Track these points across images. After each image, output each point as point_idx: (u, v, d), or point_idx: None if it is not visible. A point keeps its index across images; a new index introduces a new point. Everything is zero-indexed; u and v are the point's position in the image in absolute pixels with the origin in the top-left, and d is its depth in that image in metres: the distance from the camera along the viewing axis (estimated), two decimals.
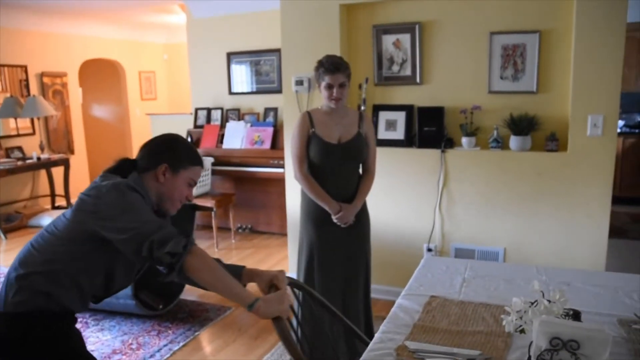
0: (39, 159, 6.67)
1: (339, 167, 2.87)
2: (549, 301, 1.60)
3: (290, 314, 1.73)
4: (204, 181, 5.60)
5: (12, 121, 6.89)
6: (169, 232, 1.62)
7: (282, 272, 1.89)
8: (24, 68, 7.09)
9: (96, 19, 7.49)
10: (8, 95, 6.70)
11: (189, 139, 6.16)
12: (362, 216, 2.95)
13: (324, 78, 2.76)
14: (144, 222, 1.62)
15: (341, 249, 2.90)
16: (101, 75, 8.80)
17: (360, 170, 3.00)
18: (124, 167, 1.82)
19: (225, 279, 1.65)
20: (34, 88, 7.22)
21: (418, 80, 3.87)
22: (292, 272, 4.40)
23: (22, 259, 1.72)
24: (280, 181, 5.09)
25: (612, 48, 3.25)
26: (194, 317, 3.81)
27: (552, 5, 3.48)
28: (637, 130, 7.03)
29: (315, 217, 2.89)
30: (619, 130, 6.57)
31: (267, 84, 6.08)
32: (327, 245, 2.89)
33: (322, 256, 2.89)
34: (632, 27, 6.21)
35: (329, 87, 2.76)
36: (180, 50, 8.72)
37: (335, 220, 2.83)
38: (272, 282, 1.85)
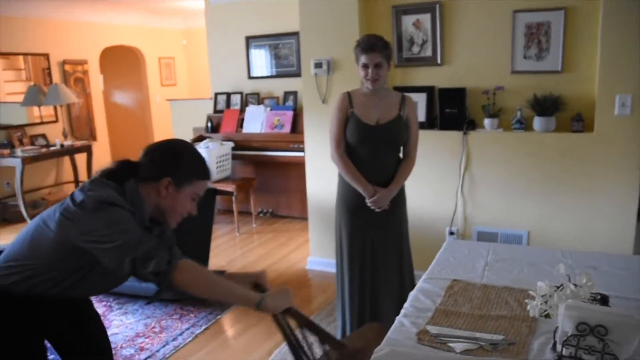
0: (62, 146, 6.75)
1: (376, 150, 2.78)
2: (575, 285, 1.56)
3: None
4: (225, 165, 5.61)
5: (35, 109, 6.98)
6: (151, 248, 1.54)
7: (263, 272, 1.87)
8: (46, 56, 7.16)
9: (115, 6, 7.49)
10: (32, 83, 6.78)
11: (209, 124, 6.18)
12: (399, 202, 2.88)
13: (360, 57, 2.69)
14: (125, 238, 1.54)
15: (373, 235, 2.84)
16: (121, 62, 8.85)
17: (401, 155, 2.92)
18: (122, 171, 1.72)
19: (223, 286, 1.62)
20: (56, 76, 7.29)
21: (439, 61, 3.80)
22: (313, 256, 4.41)
23: (12, 250, 1.71)
24: (300, 165, 5.07)
25: None
26: (215, 301, 3.84)
27: None
28: None
29: (349, 201, 2.85)
30: None
31: (286, 67, 6.04)
32: (359, 230, 2.84)
33: (351, 241, 2.85)
34: None
35: (365, 66, 2.68)
36: (199, 35, 8.70)
37: (369, 204, 2.76)
38: (256, 283, 1.82)
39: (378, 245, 2.85)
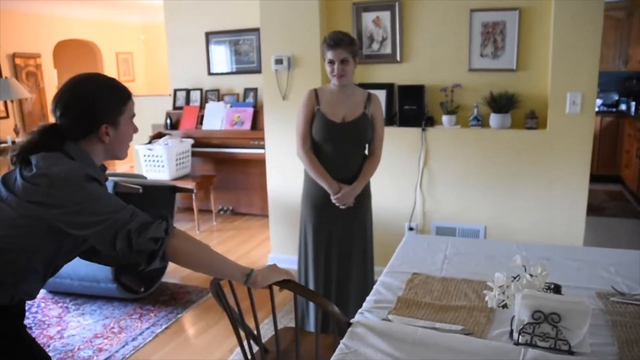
0: (13, 142, 6.52)
1: (341, 147, 2.80)
2: (531, 275, 1.62)
3: (290, 276, 1.72)
4: (184, 163, 5.54)
5: None
6: (145, 218, 1.50)
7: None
8: None
9: None
10: None
11: (168, 121, 6.09)
12: (364, 198, 2.91)
13: (326, 53, 2.70)
14: (114, 212, 1.46)
15: (337, 231, 2.87)
16: (77, 56, 8.61)
17: (366, 152, 2.94)
18: (51, 139, 1.55)
19: (216, 256, 1.61)
20: (5, 70, 7.03)
21: (398, 58, 3.85)
22: (274, 252, 4.40)
23: None
24: (261, 162, 5.05)
25: (590, 26, 3.27)
26: (176, 300, 3.79)
27: None
28: (614, 109, 7.12)
29: (314, 197, 2.87)
30: (596, 109, 6.66)
31: (246, 64, 6.01)
32: (324, 225, 2.87)
33: (315, 237, 2.87)
34: (611, 5, 6.26)
35: (331, 62, 2.70)
36: (158, 30, 8.55)
37: (334, 201, 2.79)
38: None
39: (343, 241, 2.88)
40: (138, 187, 3.50)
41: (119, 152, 1.66)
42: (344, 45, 2.66)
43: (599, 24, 3.26)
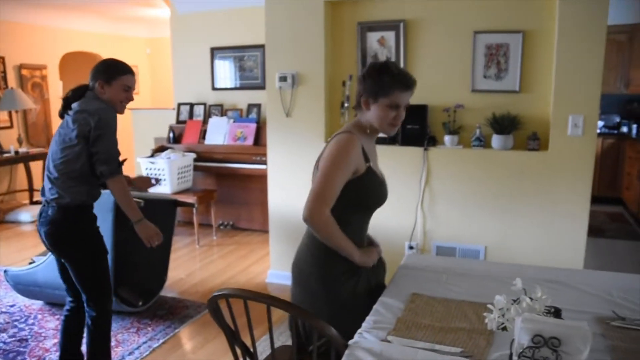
0: (17, 152, 6.55)
1: (370, 216, 2.19)
2: (531, 299, 1.61)
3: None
4: (186, 177, 5.56)
5: None
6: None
7: None
8: (1, 59, 6.95)
9: (78, 11, 7.37)
10: None
11: (171, 135, 6.11)
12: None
13: (392, 93, 1.95)
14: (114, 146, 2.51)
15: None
16: (83, 68, 8.55)
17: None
18: (82, 89, 2.58)
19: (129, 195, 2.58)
20: (11, 80, 7.08)
21: None
22: (273, 269, 4.39)
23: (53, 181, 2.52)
24: (262, 178, 5.06)
25: (593, 50, 3.29)
26: (173, 314, 3.78)
27: (535, 7, 3.51)
28: (615, 131, 7.14)
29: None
30: (598, 131, 6.67)
31: (250, 79, 6.05)
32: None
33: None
34: (613, 29, 6.29)
35: (395, 107, 1.98)
36: (163, 44, 8.63)
37: (362, 264, 2.06)
38: None
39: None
40: (140, 200, 3.51)
41: (116, 106, 2.57)
42: (414, 87, 2.01)
43: (601, 48, 3.29)
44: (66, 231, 2.56)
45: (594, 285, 2.19)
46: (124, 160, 2.57)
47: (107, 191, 2.55)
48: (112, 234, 3.35)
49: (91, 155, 2.46)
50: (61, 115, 2.58)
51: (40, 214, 2.58)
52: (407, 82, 1.97)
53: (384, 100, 1.97)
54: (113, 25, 8.37)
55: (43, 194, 2.58)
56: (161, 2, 6.84)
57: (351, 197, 1.98)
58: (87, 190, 2.55)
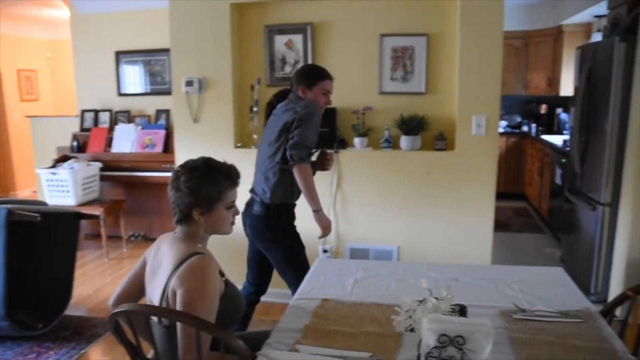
0: None
1: None
2: (437, 298, 1.62)
3: None
4: (92, 187, 5.26)
5: None
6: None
7: None
8: None
9: None
10: None
11: (75, 143, 5.77)
12: None
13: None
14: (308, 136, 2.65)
15: None
16: None
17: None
18: (285, 93, 2.81)
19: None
20: None
21: None
22: None
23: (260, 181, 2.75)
24: None
25: (492, 53, 3.44)
26: (80, 335, 3.54)
27: (438, 11, 3.62)
28: (517, 130, 7.53)
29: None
30: (501, 130, 7.01)
31: (158, 85, 5.83)
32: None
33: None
34: (510, 35, 6.71)
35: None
36: (64, 47, 8.13)
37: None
38: None
39: None
40: (36, 214, 3.27)
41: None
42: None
43: (499, 52, 3.44)
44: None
45: (498, 280, 2.26)
46: (316, 151, 2.73)
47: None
48: (4, 251, 3.09)
49: (287, 141, 2.59)
50: (267, 117, 2.81)
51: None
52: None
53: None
54: (7, 26, 7.79)
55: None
56: (60, 2, 6.45)
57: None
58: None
